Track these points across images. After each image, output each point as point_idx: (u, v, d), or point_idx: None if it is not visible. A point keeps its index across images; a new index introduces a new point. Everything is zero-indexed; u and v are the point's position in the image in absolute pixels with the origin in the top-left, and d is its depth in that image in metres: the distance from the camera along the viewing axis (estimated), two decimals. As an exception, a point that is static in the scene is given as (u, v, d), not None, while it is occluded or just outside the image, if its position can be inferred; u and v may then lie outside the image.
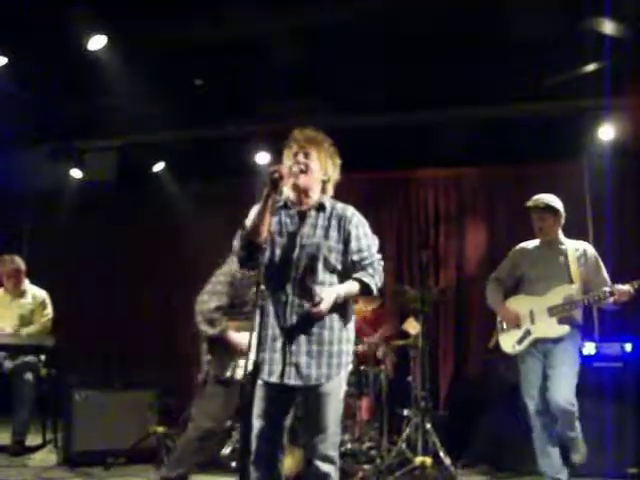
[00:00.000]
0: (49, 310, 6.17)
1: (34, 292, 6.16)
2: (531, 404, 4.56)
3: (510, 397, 5.36)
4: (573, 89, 5.71)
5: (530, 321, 4.60)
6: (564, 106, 6.04)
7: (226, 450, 5.28)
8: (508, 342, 4.68)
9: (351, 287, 3.16)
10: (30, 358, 5.80)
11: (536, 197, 4.70)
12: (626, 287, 4.36)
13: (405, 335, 5.69)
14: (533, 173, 6.55)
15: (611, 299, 4.41)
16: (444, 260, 6.84)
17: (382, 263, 3.26)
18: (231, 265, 4.38)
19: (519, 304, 4.69)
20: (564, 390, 4.42)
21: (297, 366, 3.09)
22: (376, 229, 3.38)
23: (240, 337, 4.21)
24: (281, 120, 6.09)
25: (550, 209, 4.62)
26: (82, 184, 7.63)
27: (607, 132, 5.99)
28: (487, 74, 5.57)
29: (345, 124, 6.47)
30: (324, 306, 3.03)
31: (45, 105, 6.03)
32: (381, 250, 3.30)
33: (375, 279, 3.19)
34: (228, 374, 4.20)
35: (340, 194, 3.36)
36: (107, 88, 5.75)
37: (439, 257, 6.84)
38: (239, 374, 4.16)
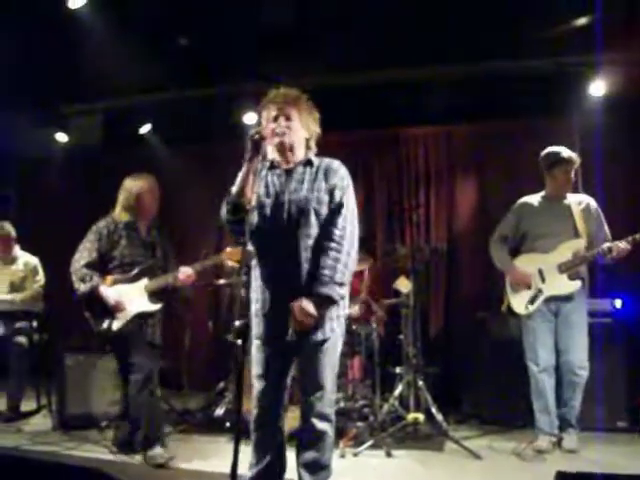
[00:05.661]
0: (41, 276, 6.16)
1: (26, 259, 6.14)
2: (537, 363, 4.53)
3: (501, 353, 5.42)
4: (564, 44, 5.64)
5: (540, 280, 4.56)
6: (555, 61, 5.96)
7: (220, 411, 5.34)
8: (520, 303, 4.64)
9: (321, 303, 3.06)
10: (23, 324, 5.80)
11: (563, 150, 4.61)
12: (623, 244, 4.33)
13: (396, 294, 5.70)
14: (523, 129, 6.50)
15: (609, 256, 4.38)
16: (435, 218, 6.82)
17: (358, 230, 3.20)
18: (99, 222, 4.59)
19: (526, 263, 4.64)
20: (579, 354, 4.45)
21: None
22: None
23: (109, 292, 4.43)
24: (269, 80, 6.00)
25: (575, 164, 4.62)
26: (68, 148, 7.54)
27: (598, 88, 5.93)
28: (477, 30, 5.49)
29: (334, 83, 6.39)
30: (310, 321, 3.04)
31: (28, 69, 5.91)
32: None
33: (339, 265, 3.06)
34: (104, 326, 4.44)
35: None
36: (91, 49, 5.63)
37: (430, 215, 6.82)
38: (116, 326, 4.42)
